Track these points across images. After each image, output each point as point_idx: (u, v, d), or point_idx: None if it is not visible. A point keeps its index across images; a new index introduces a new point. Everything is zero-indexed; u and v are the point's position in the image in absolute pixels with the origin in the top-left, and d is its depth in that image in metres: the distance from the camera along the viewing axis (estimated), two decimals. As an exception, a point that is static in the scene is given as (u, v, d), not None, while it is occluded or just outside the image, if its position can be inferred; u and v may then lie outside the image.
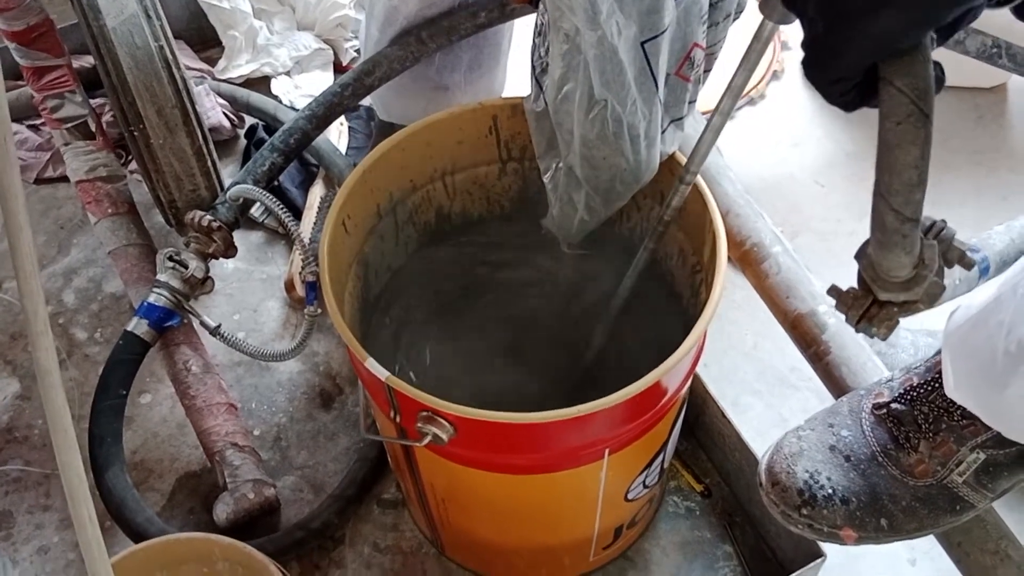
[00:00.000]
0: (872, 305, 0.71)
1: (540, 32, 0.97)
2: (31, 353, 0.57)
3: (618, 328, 1.06)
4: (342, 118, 1.51)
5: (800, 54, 0.65)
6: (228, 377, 1.27)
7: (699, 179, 0.93)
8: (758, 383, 1.28)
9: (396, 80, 1.27)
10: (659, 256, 1.07)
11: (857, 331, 0.72)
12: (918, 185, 0.62)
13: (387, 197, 1.01)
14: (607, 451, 0.89)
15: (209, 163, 1.20)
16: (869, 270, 0.69)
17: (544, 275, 1.09)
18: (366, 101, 1.45)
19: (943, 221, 0.72)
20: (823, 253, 1.36)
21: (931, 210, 1.43)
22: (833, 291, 0.75)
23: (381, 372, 0.82)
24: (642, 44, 0.88)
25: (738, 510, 1.17)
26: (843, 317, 1.01)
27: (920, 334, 1.22)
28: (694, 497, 1.18)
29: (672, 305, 1.06)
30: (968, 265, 0.73)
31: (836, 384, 0.98)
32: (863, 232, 1.42)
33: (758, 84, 1.56)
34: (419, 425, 0.82)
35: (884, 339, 0.71)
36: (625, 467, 0.95)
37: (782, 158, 1.49)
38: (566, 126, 0.93)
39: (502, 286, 1.12)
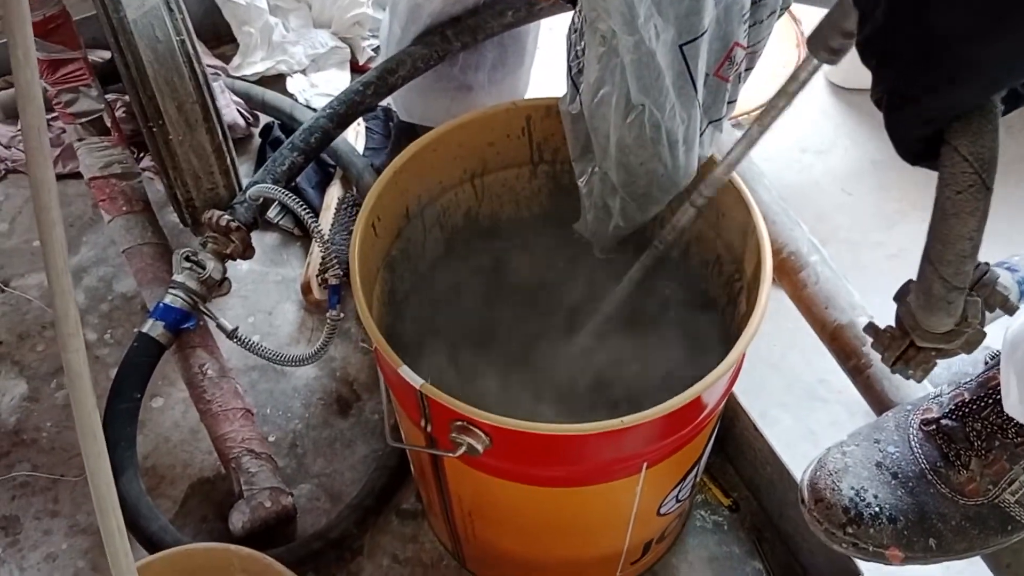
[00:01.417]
0: (909, 347, 0.69)
1: (576, 30, 0.94)
2: (61, 355, 0.54)
3: (646, 336, 1.03)
4: (359, 119, 1.48)
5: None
6: (242, 382, 1.24)
7: (741, 184, 0.90)
8: (786, 396, 1.24)
9: (418, 80, 1.25)
10: (693, 263, 1.04)
11: (893, 372, 0.71)
12: (970, 256, 0.61)
13: (416, 199, 0.98)
14: (645, 465, 0.86)
15: (228, 161, 1.17)
16: (909, 319, 0.67)
17: (574, 281, 1.06)
18: (384, 102, 1.43)
19: (986, 264, 0.69)
20: (851, 264, 1.33)
21: None
22: (870, 329, 0.73)
23: (415, 380, 0.79)
24: (680, 47, 0.85)
25: (768, 525, 1.14)
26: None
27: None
28: (721, 511, 1.15)
29: (706, 313, 1.03)
30: (1011, 310, 0.71)
31: (877, 398, 0.96)
32: (890, 244, 1.39)
33: (783, 89, 1.53)
34: (453, 435, 0.79)
35: (920, 381, 0.69)
36: (661, 481, 0.92)
37: (808, 165, 1.46)
38: (602, 131, 0.90)
39: (530, 292, 1.08)
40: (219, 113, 1.15)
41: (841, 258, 1.34)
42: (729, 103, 0.93)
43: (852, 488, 0.85)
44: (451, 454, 0.80)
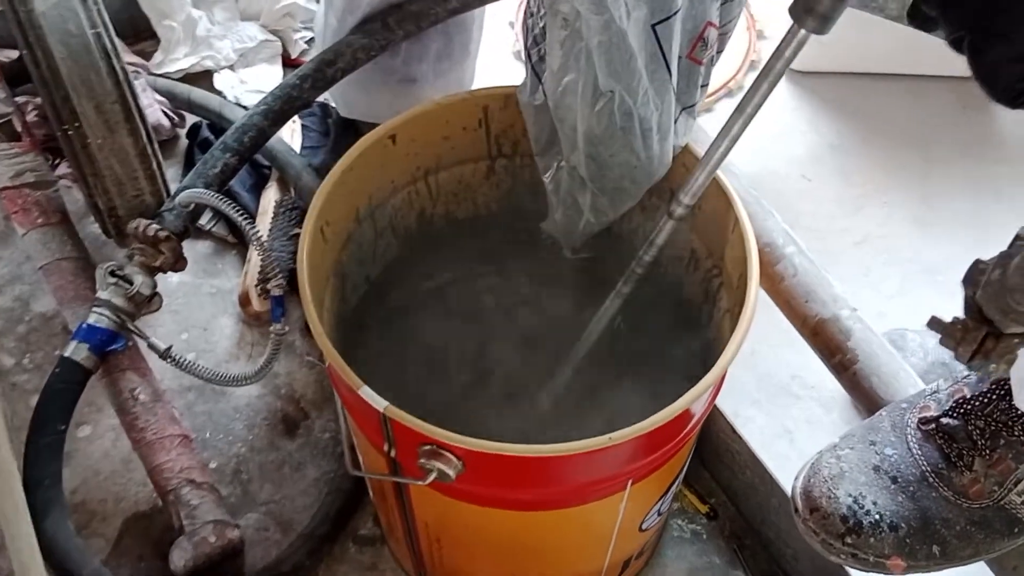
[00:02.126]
0: (987, 338, 0.62)
1: (533, 13, 0.87)
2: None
3: (617, 344, 0.96)
4: (295, 116, 1.38)
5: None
6: (178, 404, 1.16)
7: (720, 175, 0.84)
8: (757, 393, 1.19)
9: (358, 73, 1.16)
10: (664, 260, 0.97)
11: (970, 368, 0.64)
12: None
13: (367, 200, 0.90)
14: (630, 482, 0.79)
15: (154, 165, 1.07)
16: (993, 303, 0.59)
17: (541, 284, 0.99)
18: (322, 97, 1.34)
19: None
20: (820, 252, 1.27)
21: (923, 206, 1.36)
22: (936, 324, 0.65)
23: (378, 402, 0.71)
24: (653, 27, 0.79)
25: (748, 532, 1.09)
26: (867, 325, 0.95)
27: (927, 335, 1.16)
28: (699, 519, 1.09)
29: (681, 314, 0.97)
30: None
31: (866, 396, 0.91)
32: (856, 230, 1.35)
33: (736, 75, 1.48)
34: (421, 461, 0.72)
35: (1005, 374, 0.62)
36: (645, 496, 0.86)
37: (765, 151, 1.42)
38: (568, 121, 0.83)
39: (492, 298, 1.01)
40: (142, 113, 1.05)
41: (810, 247, 1.30)
42: (702, 87, 0.86)
43: (850, 495, 0.79)
44: (420, 482, 0.72)
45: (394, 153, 0.89)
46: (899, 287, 1.27)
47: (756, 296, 0.77)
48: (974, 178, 1.38)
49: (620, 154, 0.82)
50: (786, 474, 1.01)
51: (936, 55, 1.46)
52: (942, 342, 0.64)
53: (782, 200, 1.37)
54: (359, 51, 1.13)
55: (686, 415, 0.76)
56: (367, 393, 0.72)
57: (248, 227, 0.96)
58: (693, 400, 0.72)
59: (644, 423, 0.70)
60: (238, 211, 0.98)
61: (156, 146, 1.09)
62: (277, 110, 1.11)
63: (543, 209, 0.94)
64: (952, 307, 1.27)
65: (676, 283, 0.97)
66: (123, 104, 1.00)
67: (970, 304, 0.62)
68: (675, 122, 0.84)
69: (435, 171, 0.95)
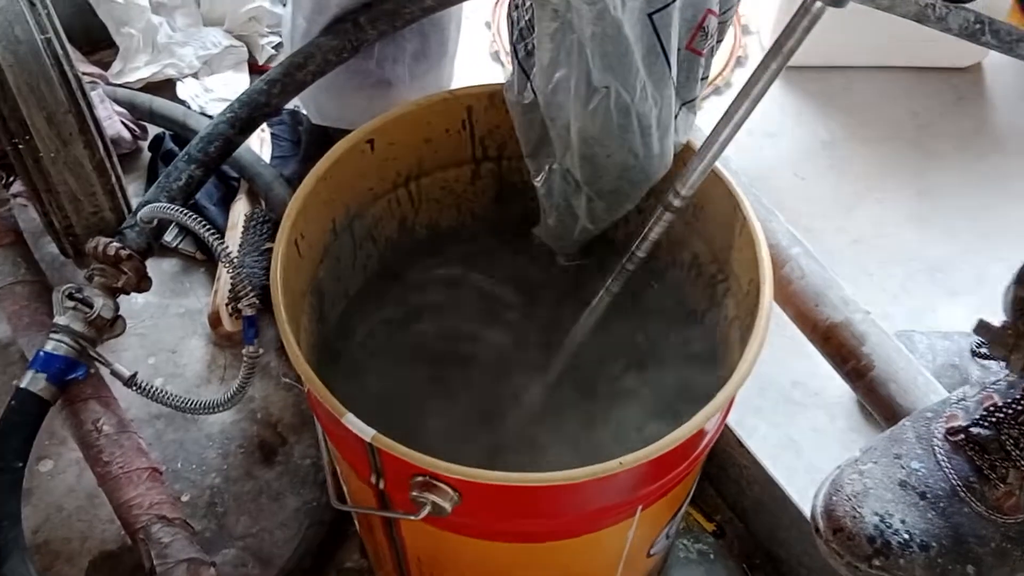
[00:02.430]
0: None
1: (519, 5, 0.81)
2: None
3: (616, 361, 0.90)
4: (263, 124, 1.32)
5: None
6: (146, 434, 1.11)
7: (723, 171, 0.79)
8: (759, 401, 1.14)
9: (330, 77, 1.10)
10: (662, 265, 0.92)
11: (1022, 376, 0.58)
12: None
13: (344, 210, 0.84)
14: (640, 508, 0.73)
15: (113, 179, 1.01)
16: None
17: (532, 295, 0.93)
18: (291, 104, 1.27)
19: None
20: (818, 252, 1.23)
21: (920, 202, 1.30)
22: (984, 329, 0.60)
23: (365, 431, 0.65)
24: (650, 16, 0.74)
25: (757, 551, 1.03)
26: (882, 328, 0.90)
27: (935, 336, 1.11)
28: (706, 538, 1.04)
29: (683, 324, 0.91)
30: None
31: (883, 404, 0.85)
32: (852, 229, 1.30)
33: (722, 72, 1.43)
34: (413, 494, 0.66)
35: None
36: (654, 521, 0.80)
37: (757, 150, 1.36)
38: (560, 121, 0.78)
39: (481, 311, 0.94)
40: (99, 123, 0.98)
41: (807, 247, 1.25)
42: (702, 80, 0.81)
43: (876, 514, 0.74)
44: (412, 516, 0.66)
45: (372, 159, 0.83)
46: (901, 287, 1.22)
47: (770, 305, 0.72)
48: (972, 171, 1.34)
49: (617, 154, 0.76)
50: (796, 488, 0.96)
51: (927, 46, 1.44)
52: (991, 350, 0.59)
53: (775, 200, 1.31)
54: (330, 53, 1.07)
55: (699, 435, 0.70)
56: (352, 422, 0.65)
57: (216, 242, 0.89)
58: (707, 418, 0.66)
59: (656, 445, 0.64)
60: (204, 226, 0.92)
61: (115, 159, 1.02)
62: (244, 118, 1.05)
63: (533, 215, 0.88)
64: (956, 307, 1.23)
65: (676, 289, 0.91)
66: (77, 114, 0.93)
67: (1018, 306, 0.56)
68: (675, 118, 0.78)
69: (416, 177, 0.89)
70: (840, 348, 0.88)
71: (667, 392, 0.88)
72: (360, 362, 0.89)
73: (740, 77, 1.47)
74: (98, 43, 1.47)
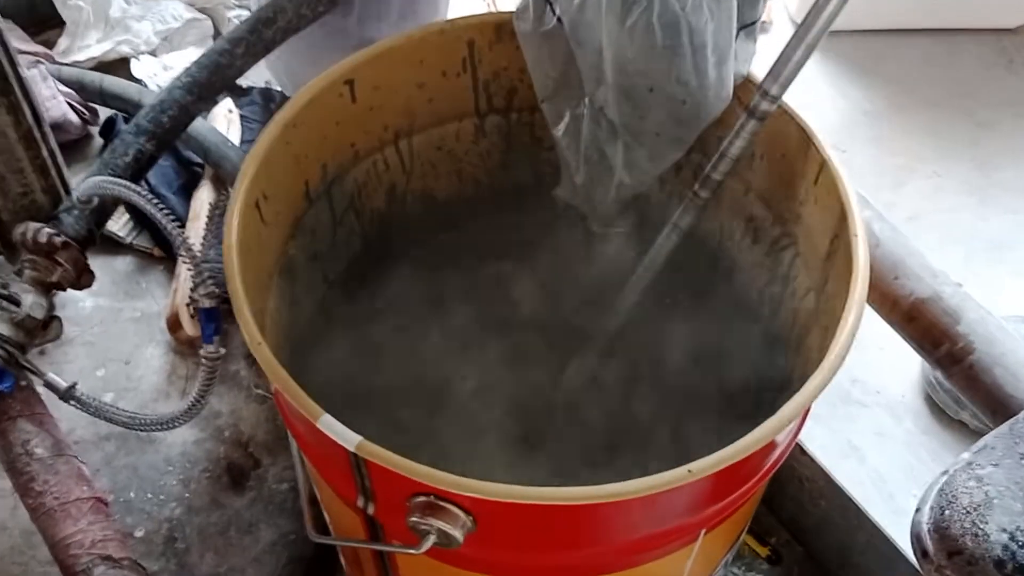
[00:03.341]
0: None
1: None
2: None
3: (653, 348, 0.75)
4: (230, 104, 1.17)
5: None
6: (93, 459, 0.99)
7: (788, 105, 0.64)
8: (814, 402, 0.98)
9: (303, 37, 0.96)
10: (707, 229, 0.76)
11: None
12: None
13: (320, 170, 0.69)
14: (703, 531, 0.57)
15: (45, 153, 0.86)
16: None
17: (552, 276, 0.77)
18: (259, 76, 1.13)
19: None
20: (869, 231, 1.10)
21: (977, 174, 1.14)
22: None
23: (348, 438, 0.49)
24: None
25: (822, 578, 0.87)
26: (971, 298, 0.76)
27: (1016, 321, 0.96)
28: (759, 565, 0.90)
29: (733, 303, 0.75)
30: None
31: (988, 394, 0.71)
32: (903, 205, 1.15)
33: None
34: (414, 519, 0.53)
35: None
36: (715, 549, 0.66)
37: (790, 122, 1.22)
38: (591, 45, 0.64)
39: (489, 300, 0.79)
40: (25, 87, 0.83)
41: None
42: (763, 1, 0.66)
43: (1004, 530, 0.62)
44: (412, 550, 0.51)
45: (353, 107, 0.69)
46: (963, 267, 1.08)
47: (867, 265, 0.56)
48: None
49: (663, 85, 0.62)
50: (866, 502, 0.82)
51: (972, 6, 1.31)
52: None
53: (815, 175, 1.18)
54: (303, 6, 0.94)
55: (772, 444, 0.55)
56: (330, 426, 0.50)
57: (170, 224, 0.73)
58: (794, 413, 0.51)
59: (731, 449, 0.52)
60: (155, 204, 0.76)
61: (47, 129, 0.87)
62: (203, 82, 0.90)
63: (549, 181, 0.73)
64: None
65: (726, 263, 0.76)
66: (-4, 71, 0.78)
67: None
68: (734, 42, 0.63)
69: (408, 133, 0.74)
70: (930, 329, 0.73)
71: (713, 390, 0.73)
72: (343, 359, 0.73)
73: (765, 45, 1.33)
74: (47, 22, 1.36)
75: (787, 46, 0.59)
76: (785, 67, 0.58)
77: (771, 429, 0.50)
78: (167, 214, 0.75)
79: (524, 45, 0.68)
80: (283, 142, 0.63)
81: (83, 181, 0.84)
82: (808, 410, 0.64)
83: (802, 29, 0.57)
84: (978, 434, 1.00)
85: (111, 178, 0.80)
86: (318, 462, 0.59)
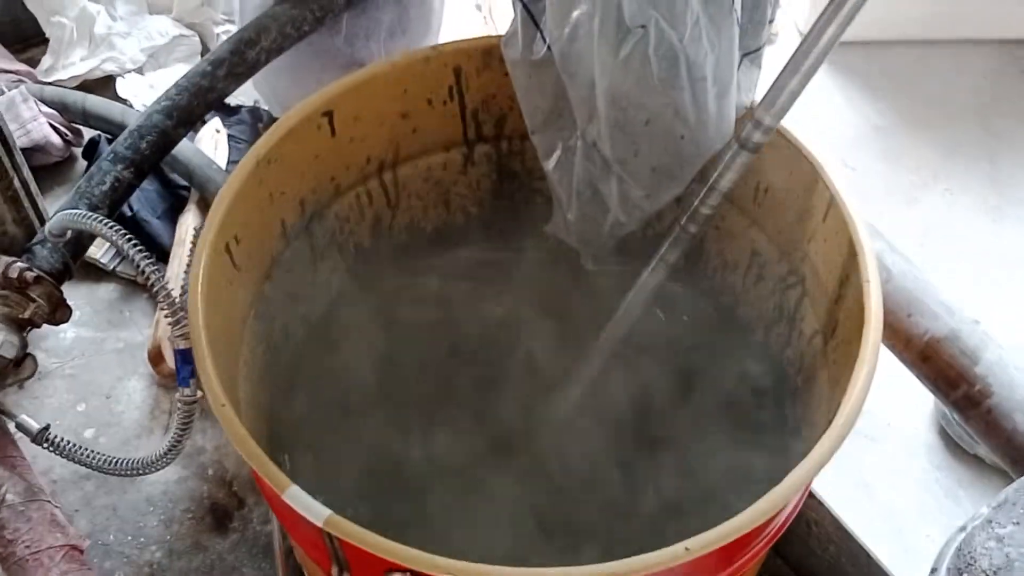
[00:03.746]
0: None
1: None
2: None
3: (648, 399, 0.71)
4: (218, 123, 1.13)
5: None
6: (71, 499, 0.93)
7: (794, 135, 0.60)
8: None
9: (290, 57, 0.94)
10: (709, 268, 0.72)
11: None
12: None
13: (296, 206, 0.65)
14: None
15: (16, 183, 0.84)
16: None
17: (547, 316, 0.73)
18: (248, 95, 1.09)
19: None
20: (880, 254, 1.05)
21: (992, 191, 1.10)
22: None
23: (317, 512, 0.45)
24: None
25: (833, 626, 0.83)
26: (990, 337, 0.71)
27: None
28: (765, 613, 0.83)
29: (737, 344, 0.71)
30: None
31: (1007, 440, 0.68)
32: (915, 224, 1.11)
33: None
34: None
35: None
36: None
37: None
38: (582, 77, 0.60)
39: (480, 342, 0.75)
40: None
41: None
42: (769, 23, 0.62)
43: None
44: None
45: (333, 139, 0.64)
46: (977, 287, 1.04)
47: (879, 312, 0.52)
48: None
49: (659, 118, 0.58)
50: (873, 543, 0.78)
51: (987, 16, 1.27)
52: None
53: (823, 194, 1.14)
54: (287, 26, 0.91)
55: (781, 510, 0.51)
56: (297, 498, 0.46)
57: (135, 252, 0.69)
58: (801, 485, 0.47)
59: (730, 525, 0.48)
60: (126, 237, 0.72)
61: (19, 159, 0.85)
62: (183, 106, 0.87)
63: (542, 213, 0.69)
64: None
65: (727, 300, 0.71)
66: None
67: None
68: (736, 71, 0.59)
69: (392, 164, 0.71)
70: (946, 370, 0.69)
71: (710, 440, 0.69)
72: (324, 408, 0.69)
73: (771, 56, 1.29)
74: (30, 38, 1.32)
75: (782, 72, 0.55)
76: (780, 95, 0.54)
77: (772, 504, 0.46)
78: (140, 250, 0.71)
79: (513, 73, 0.64)
80: (256, 181, 0.59)
81: (55, 213, 0.80)
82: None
83: (799, 55, 0.53)
84: (995, 470, 0.95)
85: (81, 211, 0.76)
86: (291, 530, 0.55)
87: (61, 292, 0.83)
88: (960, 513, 0.91)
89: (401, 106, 0.66)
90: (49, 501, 0.83)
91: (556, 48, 0.59)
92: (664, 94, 0.57)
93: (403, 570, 0.47)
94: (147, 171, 0.87)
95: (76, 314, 1.05)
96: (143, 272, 0.71)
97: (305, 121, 0.61)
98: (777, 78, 0.55)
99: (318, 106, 0.62)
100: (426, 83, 0.66)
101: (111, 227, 0.72)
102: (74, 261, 0.85)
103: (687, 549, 0.45)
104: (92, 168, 0.85)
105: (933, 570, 0.60)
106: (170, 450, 0.77)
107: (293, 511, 0.48)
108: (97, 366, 1.04)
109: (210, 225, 0.56)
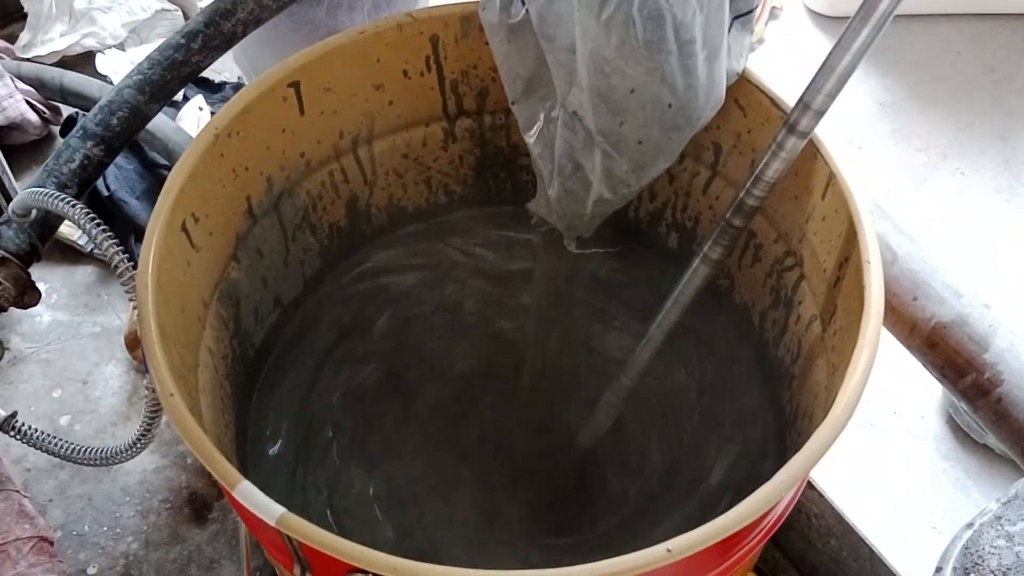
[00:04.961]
0: None
1: None
2: None
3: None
4: (201, 100, 1.10)
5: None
6: (45, 488, 0.91)
7: (784, 103, 0.57)
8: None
9: (270, 29, 0.89)
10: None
11: None
12: None
13: (264, 183, 0.62)
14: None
15: None
16: None
17: (531, 301, 0.69)
18: (232, 71, 1.06)
19: None
20: (886, 235, 1.01)
21: (1006, 171, 1.07)
22: None
23: (270, 510, 0.42)
24: None
25: (834, 623, 0.79)
26: (1000, 322, 0.68)
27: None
28: (765, 606, 0.80)
29: (730, 326, 0.68)
30: None
31: (1018, 431, 0.64)
32: (925, 204, 1.07)
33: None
34: None
35: None
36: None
37: (800, 117, 1.14)
38: (562, 41, 0.56)
39: (463, 327, 0.71)
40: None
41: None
42: (760, -15, 0.57)
43: None
44: None
45: (301, 112, 0.60)
46: (988, 271, 1.00)
47: (881, 295, 0.48)
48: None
49: (645, 85, 0.54)
50: (877, 535, 0.75)
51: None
52: None
53: (828, 173, 1.10)
54: None
55: (774, 506, 0.47)
56: (248, 495, 0.42)
57: (98, 233, 0.66)
58: (796, 479, 0.44)
59: (717, 524, 0.44)
60: (88, 216, 0.68)
61: None
62: (156, 80, 0.82)
63: (529, 189, 0.65)
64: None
65: (723, 284, 0.68)
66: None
67: None
68: (727, 36, 0.55)
69: (368, 139, 0.67)
70: (953, 357, 0.65)
71: (703, 428, 0.65)
72: (300, 401, 0.65)
73: (776, 32, 1.25)
74: (11, 13, 1.29)
75: (831, 53, 0.50)
76: (829, 77, 0.50)
77: (762, 501, 0.43)
78: (103, 230, 0.68)
79: (491, 39, 0.60)
80: (216, 154, 0.56)
81: (21, 191, 0.76)
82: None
83: (849, 33, 0.48)
84: (1006, 461, 0.92)
85: (45, 190, 0.72)
86: (254, 529, 0.52)
87: (28, 274, 0.79)
88: (969, 505, 0.87)
89: (374, 78, 0.62)
90: (17, 491, 0.80)
91: (534, 9, 0.55)
92: (650, 58, 0.53)
93: (363, 572, 0.44)
94: (118, 148, 0.82)
95: (52, 297, 1.02)
96: (105, 252, 0.68)
97: (269, 92, 0.58)
98: (826, 59, 0.51)
99: (283, 76, 0.58)
100: (400, 53, 0.62)
101: (73, 205, 0.69)
102: (42, 242, 0.81)
103: (669, 551, 0.41)
104: (60, 145, 0.80)
105: (938, 569, 0.57)
106: (139, 439, 0.74)
107: (248, 511, 0.45)
108: (73, 351, 1.01)
109: (164, 202, 0.52)
